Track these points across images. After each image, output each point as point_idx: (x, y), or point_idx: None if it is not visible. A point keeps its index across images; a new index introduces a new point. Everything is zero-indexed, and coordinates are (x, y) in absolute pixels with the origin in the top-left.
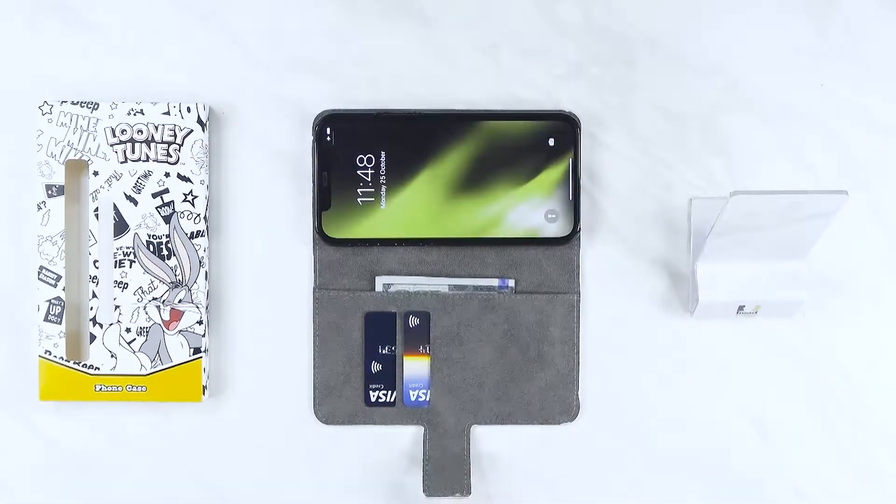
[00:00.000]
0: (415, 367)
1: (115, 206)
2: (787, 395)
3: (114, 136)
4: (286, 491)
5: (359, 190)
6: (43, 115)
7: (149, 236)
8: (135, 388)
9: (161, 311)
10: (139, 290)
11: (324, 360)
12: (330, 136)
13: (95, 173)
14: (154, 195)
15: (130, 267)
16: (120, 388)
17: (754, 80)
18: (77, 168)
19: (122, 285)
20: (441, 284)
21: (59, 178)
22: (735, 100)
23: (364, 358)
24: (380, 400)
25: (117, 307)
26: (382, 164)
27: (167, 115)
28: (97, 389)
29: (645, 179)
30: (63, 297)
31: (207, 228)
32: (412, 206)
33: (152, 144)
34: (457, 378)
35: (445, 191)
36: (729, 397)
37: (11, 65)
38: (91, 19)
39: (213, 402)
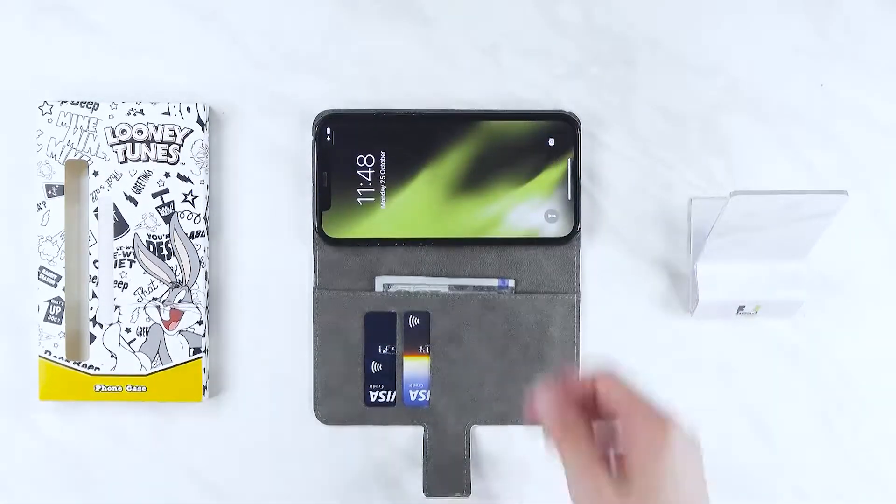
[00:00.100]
0: (415, 367)
1: (115, 206)
2: (787, 395)
3: (114, 136)
4: (286, 491)
5: (359, 190)
6: (43, 115)
7: (149, 236)
8: (135, 388)
9: (161, 311)
10: (139, 290)
11: (324, 360)
12: (330, 136)
13: (95, 173)
14: (154, 195)
15: (130, 267)
16: (120, 388)
17: (754, 80)
18: (77, 168)
19: (122, 285)
20: (441, 284)
21: (59, 178)
22: (735, 100)
23: (364, 358)
24: (380, 400)
25: (117, 307)
26: (382, 164)
27: (167, 115)
28: (97, 389)
29: (645, 179)
30: (63, 297)
31: (207, 228)
32: (412, 206)
33: (152, 144)
34: (457, 378)
35: (445, 191)
36: (729, 397)
37: (11, 65)
38: (91, 19)
39: (213, 402)
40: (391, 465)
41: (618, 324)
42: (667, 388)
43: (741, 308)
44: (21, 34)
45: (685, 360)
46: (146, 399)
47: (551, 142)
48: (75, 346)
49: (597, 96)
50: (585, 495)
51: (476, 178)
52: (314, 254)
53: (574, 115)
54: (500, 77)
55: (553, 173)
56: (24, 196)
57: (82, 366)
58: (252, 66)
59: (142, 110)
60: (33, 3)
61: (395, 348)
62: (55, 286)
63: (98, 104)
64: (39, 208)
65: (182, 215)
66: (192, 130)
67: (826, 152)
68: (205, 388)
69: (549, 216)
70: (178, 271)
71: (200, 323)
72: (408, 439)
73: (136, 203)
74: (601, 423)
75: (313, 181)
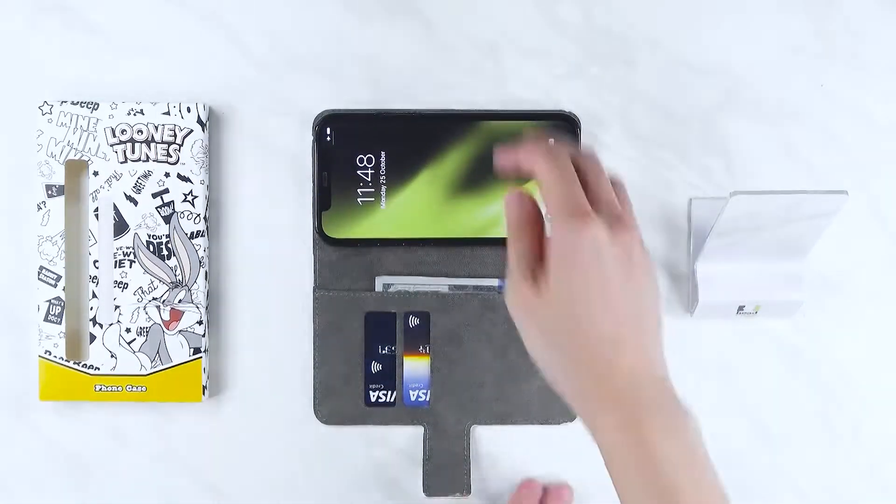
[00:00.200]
0: (415, 367)
1: (115, 206)
2: (787, 395)
3: (114, 136)
4: (286, 491)
5: (359, 190)
6: (43, 115)
7: (149, 236)
8: (135, 388)
9: (161, 311)
10: (139, 291)
11: (324, 360)
12: (330, 136)
13: (95, 173)
14: (154, 195)
15: (130, 267)
16: (120, 388)
17: (754, 80)
18: (77, 168)
19: (122, 285)
20: (441, 284)
21: (59, 178)
22: (735, 100)
23: (364, 358)
24: (380, 400)
25: (117, 307)
26: (382, 164)
27: (167, 115)
28: (97, 389)
29: (645, 179)
30: (63, 297)
31: (207, 228)
32: (412, 206)
33: (152, 144)
34: (457, 378)
35: (445, 191)
36: (729, 397)
37: (11, 65)
38: (91, 19)
39: (213, 402)
40: (391, 465)
41: None
42: None
43: (741, 308)
44: (21, 34)
45: (685, 360)
46: (146, 399)
47: (551, 142)
48: (75, 346)
49: (597, 96)
50: (509, 289)
51: (476, 178)
52: (314, 254)
53: (574, 115)
54: (500, 77)
55: None
56: (24, 196)
57: (82, 366)
58: (252, 66)
59: (142, 110)
60: (33, 3)
61: (395, 348)
62: (55, 286)
63: (98, 104)
64: (39, 208)
65: (182, 215)
66: (192, 130)
67: (826, 152)
68: (205, 388)
69: (549, 216)
70: (178, 271)
71: (200, 323)
72: (408, 439)
73: (136, 203)
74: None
75: (313, 181)
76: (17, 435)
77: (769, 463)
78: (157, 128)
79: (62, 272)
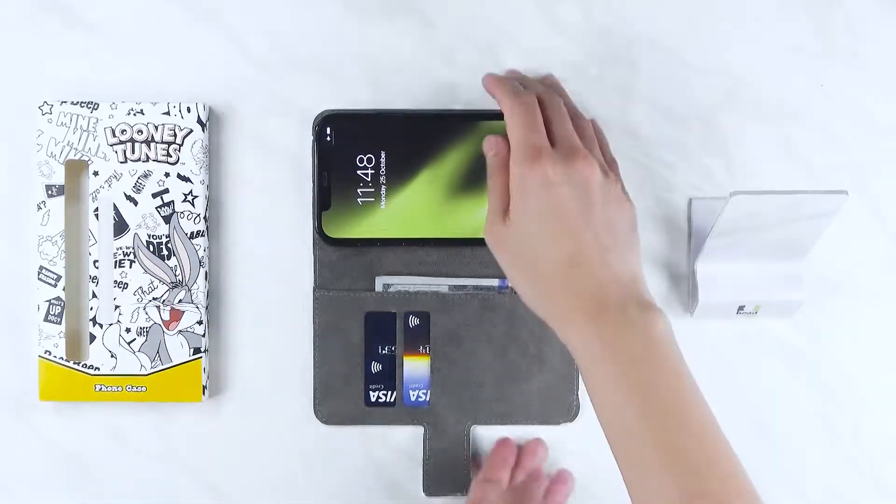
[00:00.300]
0: (415, 367)
1: (115, 206)
2: (787, 395)
3: (114, 136)
4: (286, 491)
5: (359, 190)
6: (43, 115)
7: (149, 236)
8: (135, 388)
9: (161, 311)
10: (139, 291)
11: (324, 360)
12: (330, 135)
13: (95, 173)
14: (154, 195)
15: (130, 267)
16: (120, 388)
17: (754, 80)
18: (77, 168)
19: (122, 285)
20: (441, 284)
21: (59, 178)
22: (735, 100)
23: (364, 358)
24: (380, 400)
25: (117, 307)
26: (382, 164)
27: (167, 115)
28: (97, 389)
29: (645, 179)
30: (63, 297)
31: (207, 228)
32: (412, 206)
33: (152, 144)
34: (457, 378)
35: (445, 191)
36: (729, 397)
37: (11, 65)
38: (91, 19)
39: (213, 402)
40: (391, 465)
41: None
42: None
43: (741, 308)
44: (21, 34)
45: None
46: (146, 399)
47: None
48: (75, 346)
49: (597, 96)
50: (486, 224)
51: (476, 179)
52: (314, 254)
53: None
54: None
55: None
56: (24, 196)
57: (82, 366)
58: (252, 66)
59: (142, 110)
60: (33, 3)
61: (395, 348)
62: (55, 286)
63: (98, 104)
64: (39, 208)
65: (182, 215)
66: (192, 130)
67: (826, 152)
68: (205, 388)
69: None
70: (178, 271)
71: (200, 323)
72: (408, 439)
73: (136, 203)
74: None
75: (313, 181)
76: (17, 435)
77: (769, 463)
78: (157, 128)
79: (62, 272)
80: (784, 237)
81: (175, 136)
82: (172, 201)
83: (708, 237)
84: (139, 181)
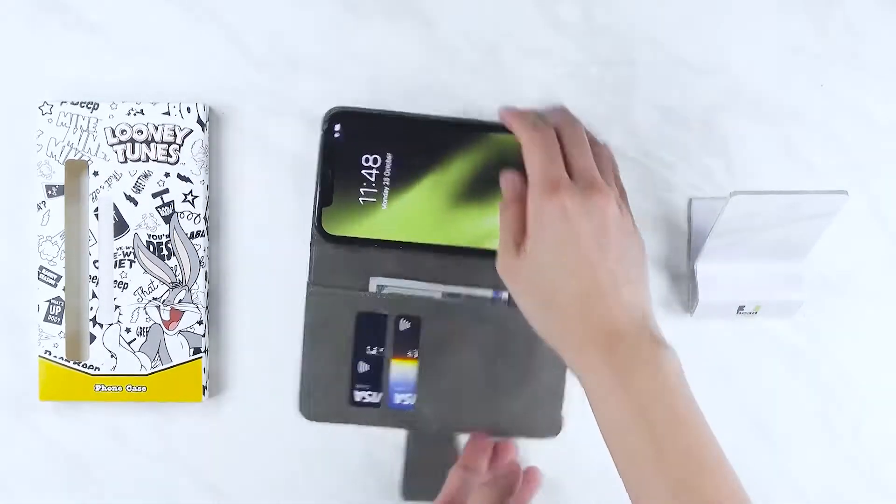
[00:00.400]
0: (402, 371)
1: (115, 206)
2: (787, 395)
3: (114, 136)
4: (286, 491)
5: (361, 189)
6: (43, 115)
7: (149, 236)
8: (135, 389)
9: (161, 311)
10: (139, 291)
11: (312, 355)
12: (339, 133)
13: (95, 173)
14: (154, 195)
15: (130, 267)
16: (120, 389)
17: (754, 80)
18: (77, 168)
19: (122, 285)
20: (435, 290)
21: (59, 178)
22: (735, 100)
23: (352, 357)
24: (365, 400)
25: (117, 307)
26: (388, 166)
27: (167, 116)
28: (97, 389)
29: (645, 180)
30: (63, 297)
31: (207, 228)
32: (413, 211)
33: (152, 144)
34: (443, 385)
35: (448, 198)
36: (729, 397)
37: (11, 65)
38: (91, 19)
39: (213, 402)
40: (391, 466)
41: None
42: None
43: (741, 308)
44: (21, 34)
45: (685, 360)
46: (146, 399)
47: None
48: (75, 346)
49: (597, 96)
50: (498, 255)
51: (480, 189)
52: (311, 249)
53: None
54: (500, 77)
55: None
56: (24, 196)
57: (82, 366)
58: (252, 66)
59: (142, 110)
60: (33, 3)
61: (383, 350)
62: (55, 286)
63: (98, 104)
64: (39, 208)
65: (182, 215)
66: (192, 130)
67: (826, 152)
68: (205, 388)
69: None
70: (178, 271)
71: (200, 323)
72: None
73: (136, 203)
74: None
75: (317, 176)
76: (17, 435)
77: (769, 463)
78: (156, 128)
79: (62, 272)
80: (784, 237)
81: (175, 136)
82: (172, 201)
83: (708, 237)
84: (139, 181)
